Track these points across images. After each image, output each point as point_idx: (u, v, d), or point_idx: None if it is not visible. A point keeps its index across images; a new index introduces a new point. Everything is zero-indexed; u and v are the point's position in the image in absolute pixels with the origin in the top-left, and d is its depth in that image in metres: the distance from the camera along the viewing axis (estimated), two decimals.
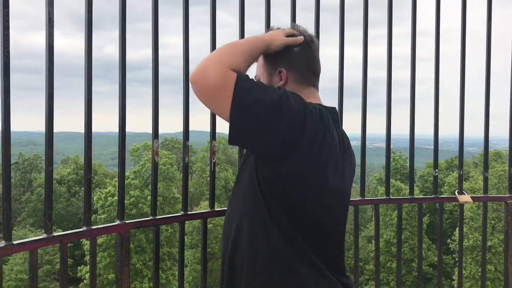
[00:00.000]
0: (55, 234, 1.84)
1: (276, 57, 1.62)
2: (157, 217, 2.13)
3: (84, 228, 1.93)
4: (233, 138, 1.42)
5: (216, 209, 2.27)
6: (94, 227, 1.96)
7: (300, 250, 1.49)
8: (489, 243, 26.40)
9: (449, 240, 28.50)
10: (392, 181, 30.72)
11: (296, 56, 1.63)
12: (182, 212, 2.21)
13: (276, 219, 1.48)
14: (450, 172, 34.06)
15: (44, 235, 1.82)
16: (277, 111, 1.39)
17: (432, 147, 2.83)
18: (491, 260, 26.15)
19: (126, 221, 2.05)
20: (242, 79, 1.39)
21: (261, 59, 1.65)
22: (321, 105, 1.63)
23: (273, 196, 1.47)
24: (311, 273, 1.50)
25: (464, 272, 26.14)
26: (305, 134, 1.42)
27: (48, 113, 1.79)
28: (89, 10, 1.91)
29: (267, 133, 1.39)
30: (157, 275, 2.22)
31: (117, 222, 2.04)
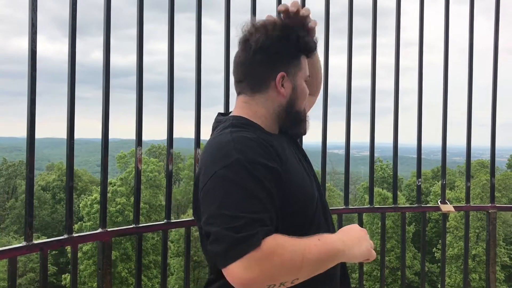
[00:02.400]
0: (35, 242, 1.82)
1: None
2: (140, 225, 2.12)
3: (66, 236, 1.91)
4: None
5: None
6: (75, 234, 1.94)
7: None
8: (473, 252, 26.63)
9: (434, 249, 28.67)
10: (379, 189, 30.87)
11: None
12: (165, 220, 2.20)
13: None
14: (436, 181, 34.36)
15: (24, 243, 1.79)
16: None
17: None
18: (475, 268, 26.37)
19: (108, 229, 2.03)
20: None
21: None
22: None
23: None
24: None
25: (449, 280, 26.31)
26: None
27: (30, 119, 1.77)
28: (73, 16, 1.90)
29: None
30: (139, 283, 2.20)
31: (99, 230, 2.02)
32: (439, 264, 28.76)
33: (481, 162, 33.81)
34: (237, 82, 1.42)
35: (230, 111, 1.51)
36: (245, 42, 1.37)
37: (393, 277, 28.22)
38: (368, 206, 2.74)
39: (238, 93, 1.43)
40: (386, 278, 27.62)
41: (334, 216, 2.61)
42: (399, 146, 2.75)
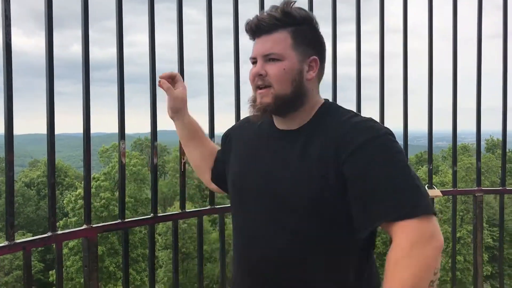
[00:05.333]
0: (17, 241, 1.77)
1: (312, 42, 1.38)
2: (126, 220, 2.08)
3: (49, 234, 1.86)
4: None
5: (187, 210, 2.23)
6: (59, 232, 1.90)
7: None
8: (458, 234, 27.07)
9: None
10: None
11: (325, 48, 1.43)
12: (152, 214, 2.16)
13: None
14: (420, 166, 34.75)
15: (6, 243, 1.74)
16: None
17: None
18: (460, 251, 26.85)
19: (93, 225, 1.98)
20: None
21: (288, 37, 1.33)
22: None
23: None
24: None
25: None
26: None
27: (7, 116, 1.72)
28: (49, 7, 1.84)
29: None
30: (126, 279, 2.16)
31: (84, 226, 1.97)
32: None
33: (464, 146, 34.30)
34: None
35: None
36: None
37: (381, 262, 28.63)
38: None
39: None
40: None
41: None
42: None
